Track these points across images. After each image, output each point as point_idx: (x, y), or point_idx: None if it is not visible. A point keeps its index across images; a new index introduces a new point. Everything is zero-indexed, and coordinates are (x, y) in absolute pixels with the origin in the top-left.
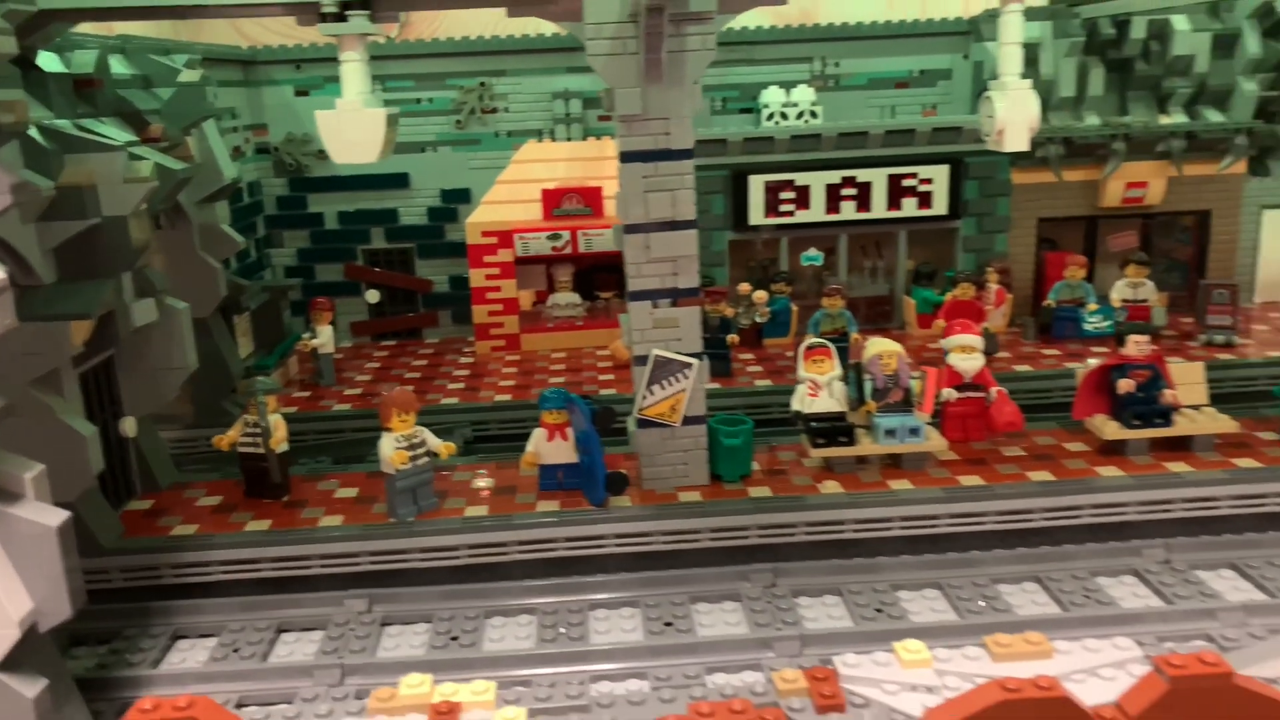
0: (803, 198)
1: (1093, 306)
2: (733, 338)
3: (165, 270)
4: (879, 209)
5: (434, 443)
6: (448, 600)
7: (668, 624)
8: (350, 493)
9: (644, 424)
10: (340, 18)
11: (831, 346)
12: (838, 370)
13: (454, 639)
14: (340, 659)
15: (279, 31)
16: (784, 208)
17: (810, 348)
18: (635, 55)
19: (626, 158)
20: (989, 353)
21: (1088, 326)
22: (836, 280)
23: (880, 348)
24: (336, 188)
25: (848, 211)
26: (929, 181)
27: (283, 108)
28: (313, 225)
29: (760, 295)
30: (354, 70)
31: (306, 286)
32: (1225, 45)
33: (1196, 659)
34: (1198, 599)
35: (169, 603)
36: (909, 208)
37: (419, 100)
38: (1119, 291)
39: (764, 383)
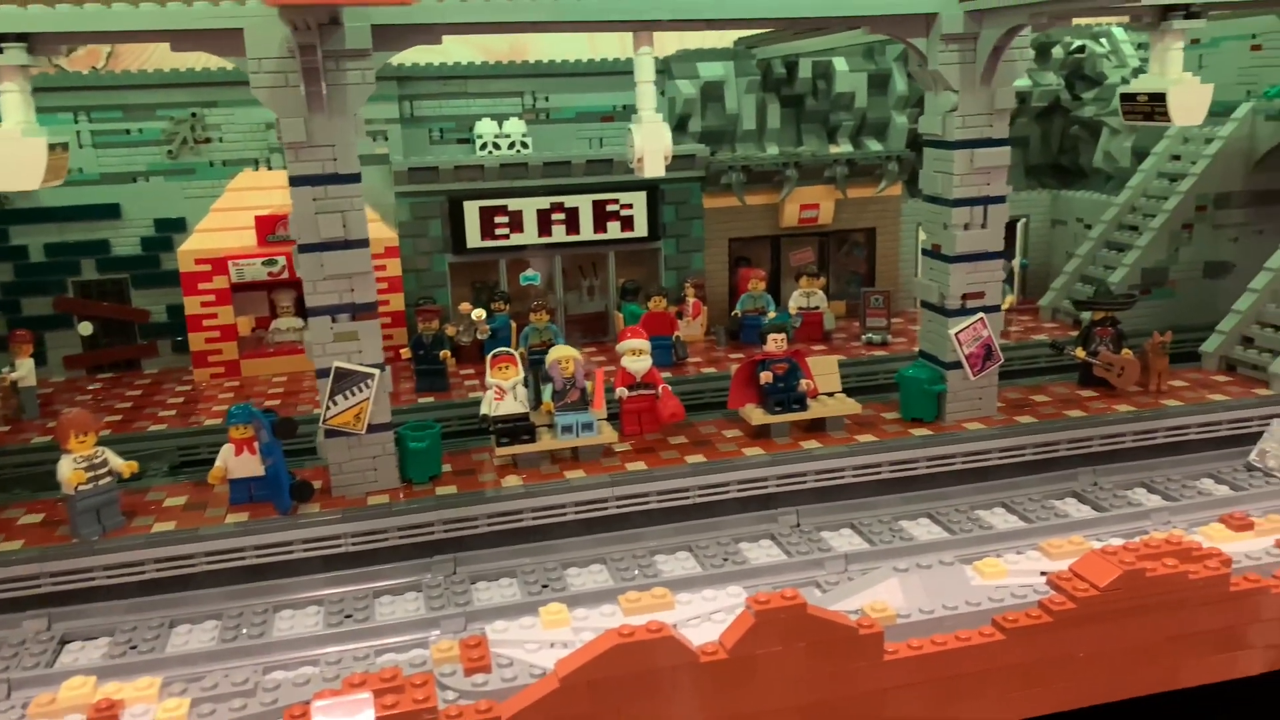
0: (516, 222)
1: (772, 315)
2: (445, 354)
3: None
4: (586, 232)
5: (116, 462)
6: (133, 614)
7: (347, 616)
8: (35, 518)
9: (331, 433)
10: None
11: (515, 354)
12: (521, 375)
13: (133, 648)
14: (7, 675)
15: None
16: (499, 231)
17: (495, 356)
18: (297, 88)
19: (296, 181)
20: (680, 358)
21: None
22: (541, 298)
23: (559, 353)
24: (41, 219)
25: (559, 234)
26: (630, 207)
27: None
28: (16, 258)
29: (479, 314)
30: (13, 100)
31: (12, 321)
32: (879, 84)
33: (780, 595)
34: (814, 553)
35: None
36: (614, 231)
37: (128, 131)
38: (795, 301)
39: (479, 395)
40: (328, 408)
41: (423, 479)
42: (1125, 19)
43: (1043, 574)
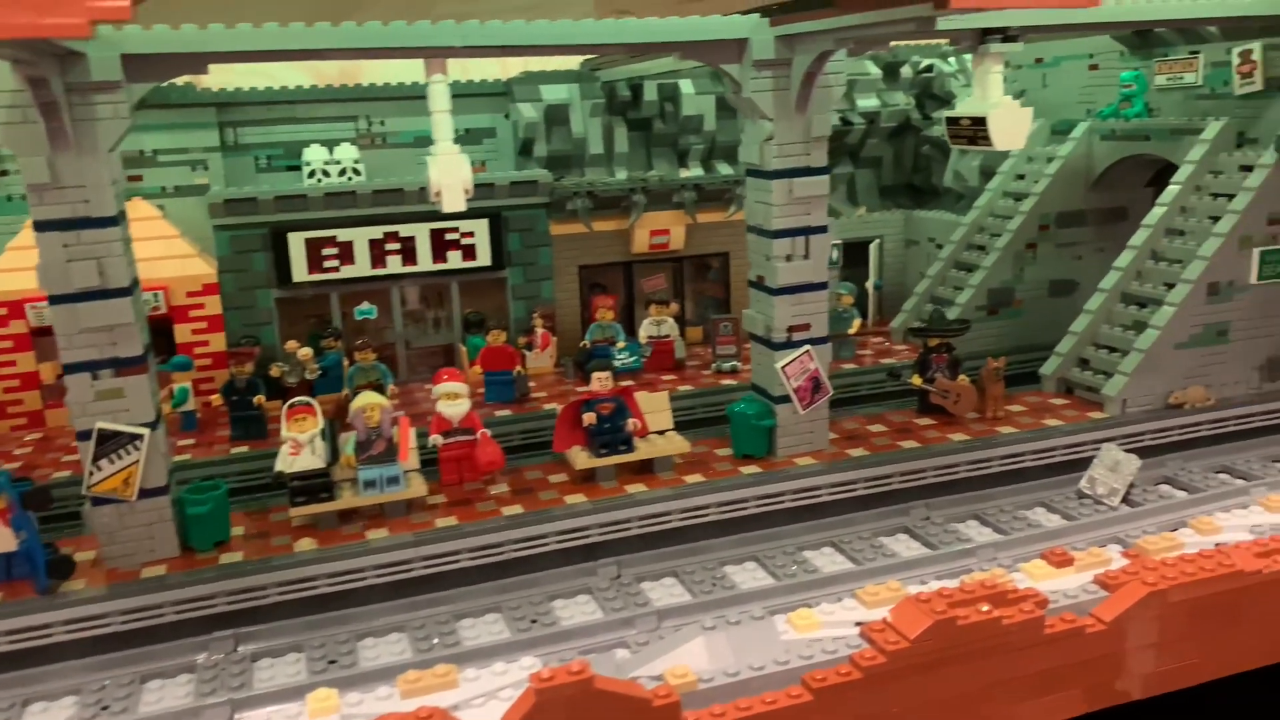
0: (346, 253)
1: (621, 344)
2: (259, 398)
3: None
4: (425, 262)
5: None
6: None
7: (104, 708)
8: None
9: (98, 501)
10: None
11: (315, 404)
12: (320, 427)
13: None
14: None
15: None
16: (328, 264)
17: (292, 406)
18: (36, 124)
19: (41, 226)
20: (522, 394)
21: (616, 363)
22: (370, 335)
23: (364, 401)
24: None
25: (394, 265)
26: (471, 235)
27: None
28: None
29: (305, 352)
30: None
31: None
32: (729, 106)
33: (565, 670)
34: (629, 609)
35: None
36: (455, 260)
37: None
38: (645, 329)
39: None
40: (91, 473)
41: (207, 546)
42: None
43: (858, 624)
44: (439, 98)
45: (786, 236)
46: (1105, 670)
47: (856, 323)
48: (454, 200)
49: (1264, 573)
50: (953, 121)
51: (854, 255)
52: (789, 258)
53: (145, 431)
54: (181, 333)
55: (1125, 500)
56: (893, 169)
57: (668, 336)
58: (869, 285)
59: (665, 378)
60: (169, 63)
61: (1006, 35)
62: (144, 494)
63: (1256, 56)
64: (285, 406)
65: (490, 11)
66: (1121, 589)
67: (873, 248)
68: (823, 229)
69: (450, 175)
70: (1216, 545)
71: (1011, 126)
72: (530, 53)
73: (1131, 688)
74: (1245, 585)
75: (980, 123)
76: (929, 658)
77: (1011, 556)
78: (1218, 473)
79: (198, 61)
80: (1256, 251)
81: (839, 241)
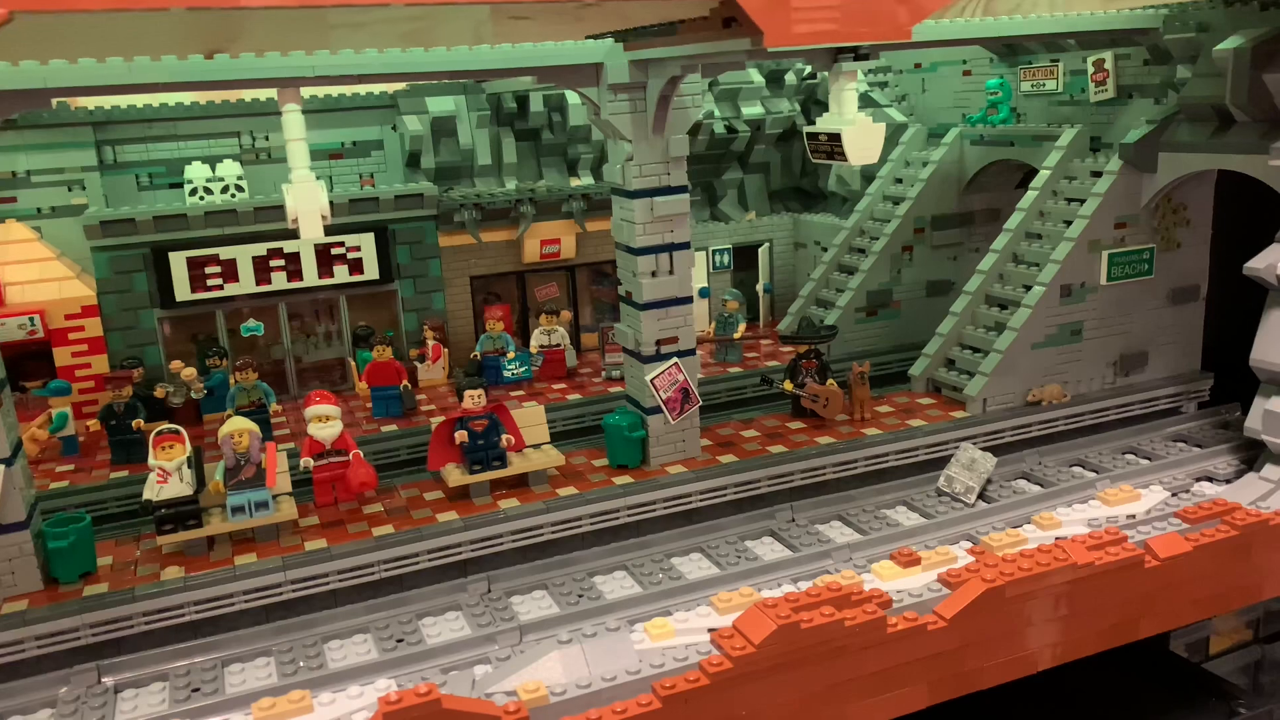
0: (230, 271)
1: (511, 355)
2: (138, 422)
3: None
4: (311, 278)
5: None
6: None
7: None
8: None
9: None
10: None
11: (182, 432)
12: (188, 454)
13: None
14: None
15: None
16: (212, 282)
17: (159, 435)
18: None
19: None
20: (409, 408)
21: (507, 373)
22: (251, 353)
23: (232, 426)
24: None
25: (280, 282)
26: (357, 249)
27: None
28: None
29: (189, 372)
30: None
31: None
32: None
33: (413, 692)
34: (495, 624)
35: None
36: (342, 275)
37: None
38: (536, 339)
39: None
40: None
41: (72, 578)
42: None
43: (710, 631)
44: (293, 126)
45: (650, 253)
46: (948, 665)
47: (742, 327)
48: (311, 227)
49: (1096, 565)
50: (812, 137)
51: (745, 259)
52: (654, 274)
53: (0, 467)
54: (61, 356)
55: (981, 496)
56: (780, 174)
57: (558, 345)
58: (759, 288)
59: (556, 386)
60: (9, 99)
61: (858, 54)
62: (2, 530)
63: (1109, 65)
64: (153, 435)
65: (372, 38)
66: (962, 586)
67: (762, 251)
68: (685, 245)
69: (307, 202)
70: (1056, 540)
71: (865, 142)
72: (387, 80)
73: (974, 680)
74: (1078, 578)
75: (837, 139)
76: (774, 661)
77: (866, 557)
78: (1071, 466)
79: (40, 97)
80: (1105, 254)
81: (728, 246)
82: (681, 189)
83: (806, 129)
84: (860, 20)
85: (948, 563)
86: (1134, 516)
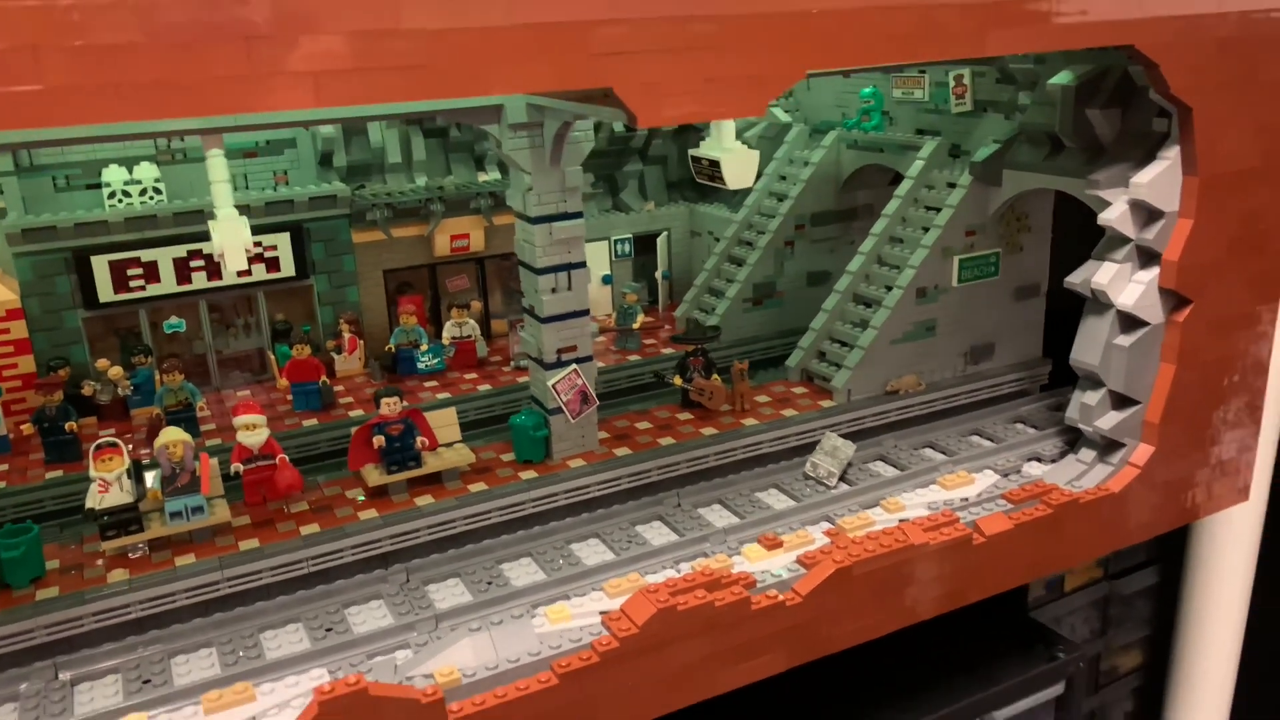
0: (151, 273)
1: (424, 347)
2: (71, 425)
3: None
4: (230, 277)
5: None
6: None
7: None
8: None
9: None
10: None
11: (121, 445)
12: (126, 464)
13: None
14: None
15: None
16: (134, 283)
17: (99, 448)
18: None
19: None
20: (328, 403)
21: (421, 365)
22: (175, 354)
23: (168, 437)
24: None
25: (200, 281)
26: (274, 248)
27: None
28: None
29: (116, 371)
30: None
31: None
32: None
33: (344, 682)
34: (413, 612)
35: None
36: (260, 273)
37: None
38: (448, 331)
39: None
40: None
41: (23, 583)
42: None
43: (601, 614)
44: (217, 170)
45: (550, 273)
46: (804, 634)
47: (641, 317)
48: (237, 261)
49: (931, 545)
50: (696, 160)
51: (645, 246)
52: (554, 290)
53: None
54: None
55: (843, 479)
56: (678, 166)
57: (469, 337)
58: (658, 275)
59: (468, 376)
60: None
61: None
62: None
63: (967, 81)
64: (92, 449)
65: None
66: (816, 567)
67: (660, 240)
68: (582, 264)
69: (232, 238)
70: (900, 521)
71: (741, 169)
72: (312, 124)
73: (827, 645)
74: (916, 556)
75: (716, 164)
76: (656, 640)
77: (739, 539)
78: (923, 449)
79: None
80: (956, 259)
81: (629, 235)
82: (577, 214)
83: (692, 152)
84: (719, 102)
85: (806, 545)
86: (967, 499)
